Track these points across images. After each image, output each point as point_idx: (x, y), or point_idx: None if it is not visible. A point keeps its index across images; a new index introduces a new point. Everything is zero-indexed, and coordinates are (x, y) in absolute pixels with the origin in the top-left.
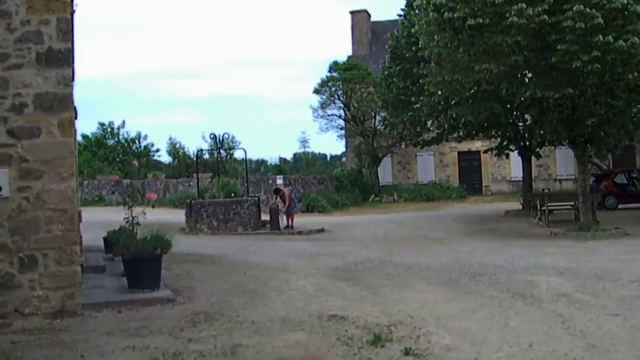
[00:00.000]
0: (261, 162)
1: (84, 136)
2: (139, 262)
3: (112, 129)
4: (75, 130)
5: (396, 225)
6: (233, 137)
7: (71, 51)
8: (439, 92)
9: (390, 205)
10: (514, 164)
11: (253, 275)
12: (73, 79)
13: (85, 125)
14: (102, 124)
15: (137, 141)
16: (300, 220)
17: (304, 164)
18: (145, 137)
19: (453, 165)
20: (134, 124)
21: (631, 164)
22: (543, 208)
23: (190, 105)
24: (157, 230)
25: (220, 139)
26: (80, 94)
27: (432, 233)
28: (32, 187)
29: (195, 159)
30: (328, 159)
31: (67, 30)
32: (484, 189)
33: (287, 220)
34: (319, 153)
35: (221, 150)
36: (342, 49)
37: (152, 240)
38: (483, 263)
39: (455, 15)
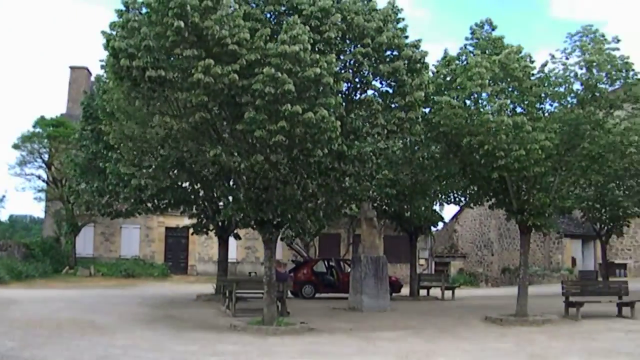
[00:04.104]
0: None
1: None
2: None
3: None
4: None
5: (70, 304)
6: None
7: None
8: (124, 155)
9: (84, 280)
10: None
11: None
12: None
13: None
14: None
15: None
16: None
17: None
18: None
19: (159, 240)
20: None
21: (337, 252)
22: (232, 295)
23: None
24: None
25: None
26: None
27: (104, 318)
28: None
29: None
30: None
31: None
32: (189, 268)
33: None
34: (38, 217)
35: None
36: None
37: None
38: None
39: (134, 64)
